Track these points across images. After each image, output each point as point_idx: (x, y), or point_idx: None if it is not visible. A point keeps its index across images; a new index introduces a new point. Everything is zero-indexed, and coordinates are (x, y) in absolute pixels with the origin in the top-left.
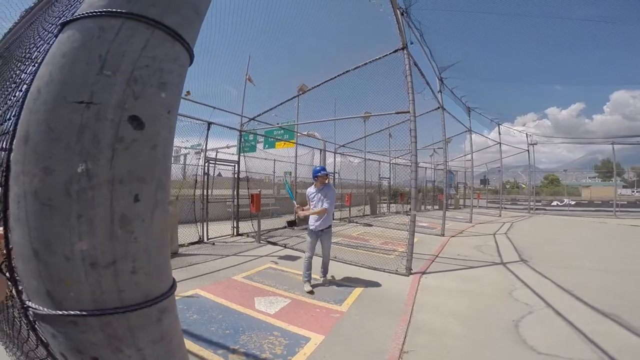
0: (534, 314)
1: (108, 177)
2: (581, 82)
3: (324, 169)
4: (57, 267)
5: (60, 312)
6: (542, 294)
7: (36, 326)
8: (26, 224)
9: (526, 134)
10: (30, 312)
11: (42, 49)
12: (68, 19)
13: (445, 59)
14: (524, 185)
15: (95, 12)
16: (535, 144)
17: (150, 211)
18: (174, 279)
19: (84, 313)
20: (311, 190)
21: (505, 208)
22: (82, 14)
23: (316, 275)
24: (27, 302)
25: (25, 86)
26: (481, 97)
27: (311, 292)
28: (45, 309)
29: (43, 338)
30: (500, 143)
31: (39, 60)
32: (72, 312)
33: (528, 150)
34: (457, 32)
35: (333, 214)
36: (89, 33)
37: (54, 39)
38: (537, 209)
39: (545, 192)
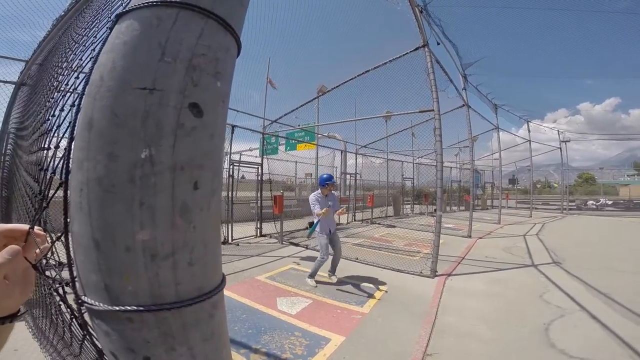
0: (567, 317)
1: (170, 164)
2: (616, 76)
3: (331, 177)
4: (118, 259)
5: (118, 308)
6: (575, 296)
7: (89, 323)
8: (88, 213)
9: (557, 130)
10: (85, 308)
11: (95, 42)
12: (124, 10)
13: (468, 55)
14: (556, 185)
15: (151, 2)
16: (568, 141)
17: (208, 199)
18: (223, 273)
19: (141, 308)
20: (318, 195)
21: (536, 208)
22: (138, 4)
23: (338, 276)
24: (82, 297)
25: (77, 80)
26: (508, 93)
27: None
28: (102, 305)
29: (95, 336)
30: (529, 141)
31: (96, 50)
32: (129, 308)
33: (560, 148)
34: (480, 28)
35: (354, 216)
36: (147, 22)
37: (109, 31)
38: (570, 209)
39: (580, 192)
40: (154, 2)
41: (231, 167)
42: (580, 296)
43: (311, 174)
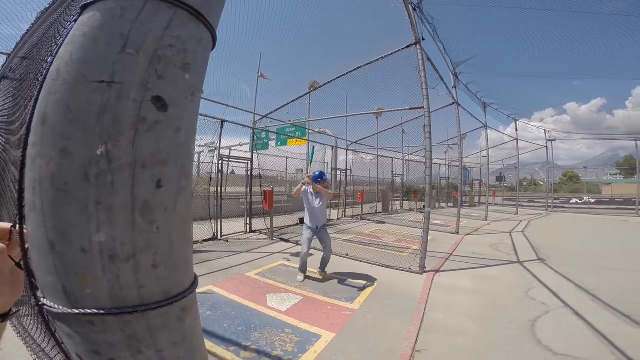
0: (551, 313)
1: (129, 160)
2: (603, 77)
3: (324, 174)
4: (74, 261)
5: (77, 311)
6: (559, 293)
7: (51, 326)
8: (41, 213)
9: (544, 130)
10: (45, 311)
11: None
12: (88, 2)
13: (459, 54)
14: (541, 183)
15: None
16: (554, 140)
17: (173, 199)
18: (195, 274)
19: (102, 312)
20: (311, 190)
21: (522, 206)
22: None
23: (329, 273)
24: (42, 300)
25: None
26: (497, 92)
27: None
28: (61, 308)
29: (59, 338)
30: (517, 139)
31: (58, 44)
32: (89, 311)
33: (546, 147)
34: (472, 27)
35: (345, 212)
36: (110, 13)
37: (74, 23)
38: (555, 207)
39: (564, 190)
40: None
41: (220, 162)
42: (565, 293)
43: (302, 170)
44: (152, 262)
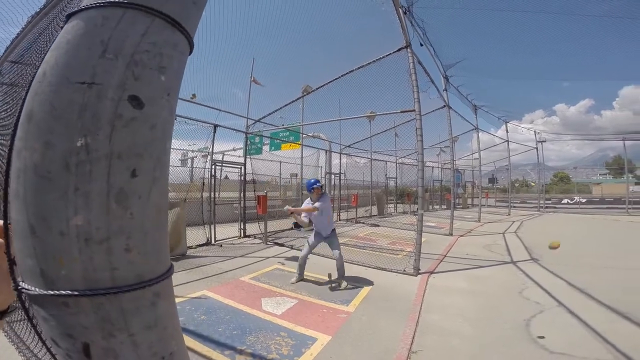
0: (545, 313)
1: (106, 152)
2: (590, 78)
3: (317, 181)
4: (52, 244)
5: (52, 292)
6: (553, 292)
7: (29, 310)
8: (24, 199)
9: (534, 131)
10: (24, 295)
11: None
12: (73, 11)
13: (449, 57)
14: (532, 183)
15: (99, 3)
16: (544, 141)
17: (147, 188)
18: (171, 263)
19: (76, 293)
20: (308, 201)
21: (514, 207)
22: (87, 5)
23: (323, 276)
24: (20, 284)
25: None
26: (488, 95)
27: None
28: (37, 289)
29: (36, 323)
30: (508, 141)
31: (45, 50)
32: (63, 292)
33: (537, 148)
34: (462, 30)
35: (339, 216)
36: (92, 21)
37: (60, 30)
38: (547, 207)
39: (555, 190)
40: (103, 2)
41: (213, 167)
42: (558, 292)
43: (296, 174)
44: (125, 246)
